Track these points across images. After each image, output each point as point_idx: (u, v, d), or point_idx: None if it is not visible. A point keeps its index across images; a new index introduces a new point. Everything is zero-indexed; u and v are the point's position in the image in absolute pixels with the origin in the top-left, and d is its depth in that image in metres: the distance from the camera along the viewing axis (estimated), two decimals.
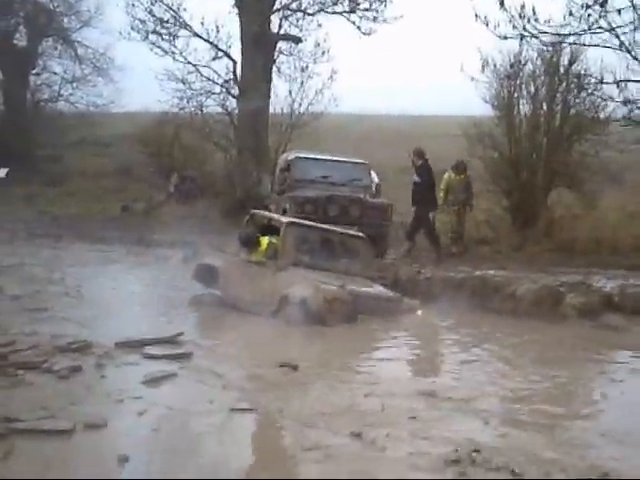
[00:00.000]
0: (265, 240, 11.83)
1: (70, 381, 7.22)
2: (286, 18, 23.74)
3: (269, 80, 23.09)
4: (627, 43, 13.15)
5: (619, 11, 12.72)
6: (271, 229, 12.21)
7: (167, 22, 23.73)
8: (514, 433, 6.18)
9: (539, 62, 16.55)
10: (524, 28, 13.81)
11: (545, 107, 16.67)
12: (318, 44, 23.58)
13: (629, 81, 13.53)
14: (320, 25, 23.65)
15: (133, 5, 23.79)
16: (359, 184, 16.45)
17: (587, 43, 14.34)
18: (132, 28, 23.87)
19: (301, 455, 5.68)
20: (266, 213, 13.43)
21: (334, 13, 23.72)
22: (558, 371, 8.48)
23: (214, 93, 23.81)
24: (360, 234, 12.70)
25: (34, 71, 33.13)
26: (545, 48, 15.75)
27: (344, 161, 17.00)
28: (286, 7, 23.76)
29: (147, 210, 23.27)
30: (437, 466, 5.42)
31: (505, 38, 14.66)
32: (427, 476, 5.30)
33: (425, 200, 15.10)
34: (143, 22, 23.80)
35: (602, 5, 12.73)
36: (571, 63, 16.11)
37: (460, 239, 15.93)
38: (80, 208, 24.29)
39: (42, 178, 28.23)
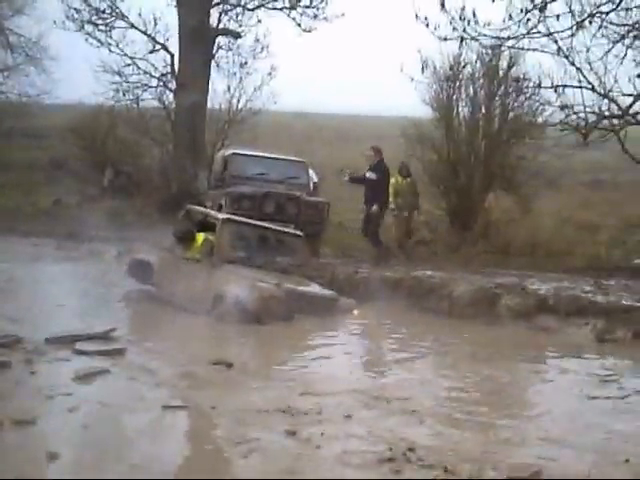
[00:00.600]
0: (201, 236, 11.70)
1: None
2: (225, 13, 23.45)
3: (207, 75, 22.85)
4: (565, 49, 13.29)
5: (557, 17, 12.86)
6: (207, 225, 12.09)
7: (103, 12, 23.20)
8: (448, 432, 6.22)
9: (478, 65, 16.65)
10: (464, 30, 13.89)
11: (484, 110, 16.78)
12: (258, 40, 23.47)
13: (566, 86, 13.67)
14: (260, 21, 23.48)
15: None
16: (296, 182, 16.30)
17: (526, 47, 14.45)
18: (67, 17, 23.24)
19: (234, 452, 5.64)
20: (202, 209, 13.29)
21: (274, 9, 23.57)
22: (492, 371, 8.55)
23: (151, 86, 23.45)
24: (297, 232, 12.66)
25: None
26: (485, 51, 15.87)
27: (282, 159, 16.87)
28: (225, 1, 23.51)
29: (80, 204, 22.88)
30: (371, 464, 5.41)
31: (445, 40, 14.70)
32: (361, 474, 5.27)
33: (378, 198, 14.86)
34: (78, 11, 23.16)
35: (541, 10, 12.84)
36: (510, 67, 16.20)
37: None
38: (9, 201, 23.77)
39: None
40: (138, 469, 5.14)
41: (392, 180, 15.44)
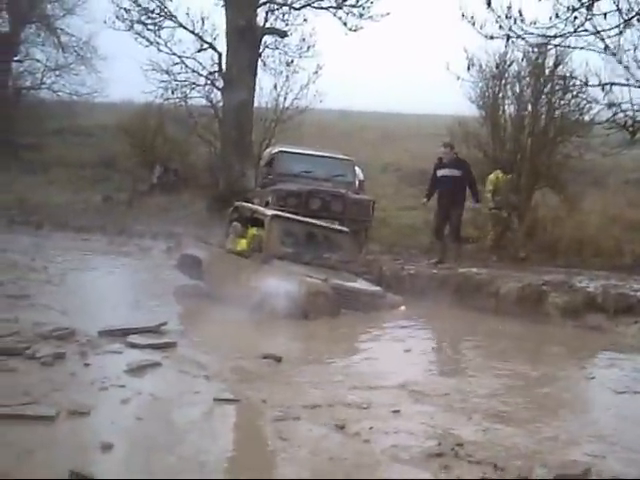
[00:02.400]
0: (252, 231, 11.83)
1: (53, 368, 7.19)
2: (272, 12, 23.60)
3: (254, 73, 22.99)
4: (612, 47, 13.16)
5: (605, 15, 12.77)
6: (255, 222, 12.23)
7: (152, 12, 23.48)
8: (496, 428, 6.19)
9: (524, 63, 16.56)
10: (510, 29, 13.82)
11: (530, 108, 16.69)
12: (304, 39, 23.62)
13: (614, 84, 13.55)
14: (306, 20, 23.61)
15: None
16: (342, 180, 16.36)
17: (572, 45, 14.33)
18: (117, 17, 23.57)
19: (283, 445, 5.67)
20: (250, 205, 13.43)
21: (320, 8, 23.61)
22: (539, 369, 8.54)
23: (199, 85, 23.72)
24: (344, 228, 12.75)
25: (16, 58, 32.90)
26: (531, 49, 15.78)
27: (328, 156, 16.94)
28: (272, 1, 23.61)
29: (129, 200, 23.21)
30: (420, 459, 5.42)
31: (491, 38, 14.60)
32: (410, 469, 5.30)
33: (460, 196, 14.37)
34: (128, 11, 23.47)
35: (588, 8, 12.73)
36: (556, 65, 16.09)
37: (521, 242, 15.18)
38: (61, 197, 24.16)
39: (22, 166, 28.03)
40: (188, 461, 5.20)
41: (492, 176, 15.17)
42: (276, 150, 17.22)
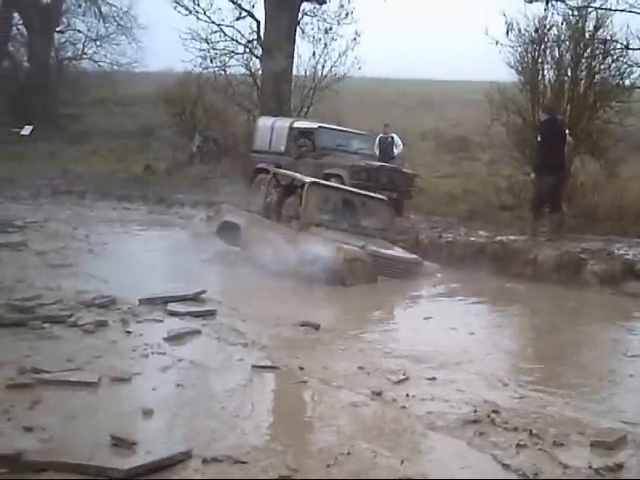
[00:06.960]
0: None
1: (95, 335, 7.35)
2: None
3: (293, 41, 22.94)
4: None
5: None
6: (293, 188, 12.30)
7: None
8: (532, 395, 6.24)
9: (564, 27, 16.31)
10: None
11: (570, 73, 16.46)
12: (342, 5, 23.47)
13: None
14: None
15: None
16: (366, 153, 17.75)
17: (613, 8, 14.20)
18: None
19: (321, 412, 5.76)
20: (288, 172, 13.47)
21: None
22: (576, 336, 8.56)
23: (238, 53, 23.76)
24: (381, 196, 12.77)
25: (58, 29, 33.11)
26: (571, 12, 15.59)
27: (356, 132, 18.40)
28: None
29: (170, 169, 23.33)
30: (456, 426, 5.47)
31: (530, 2, 14.53)
32: (446, 435, 5.35)
33: (543, 163, 13.22)
34: None
35: None
36: (597, 28, 15.83)
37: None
38: (103, 166, 24.39)
39: (65, 136, 28.35)
40: (229, 427, 5.28)
41: None
42: (315, 125, 17.95)
